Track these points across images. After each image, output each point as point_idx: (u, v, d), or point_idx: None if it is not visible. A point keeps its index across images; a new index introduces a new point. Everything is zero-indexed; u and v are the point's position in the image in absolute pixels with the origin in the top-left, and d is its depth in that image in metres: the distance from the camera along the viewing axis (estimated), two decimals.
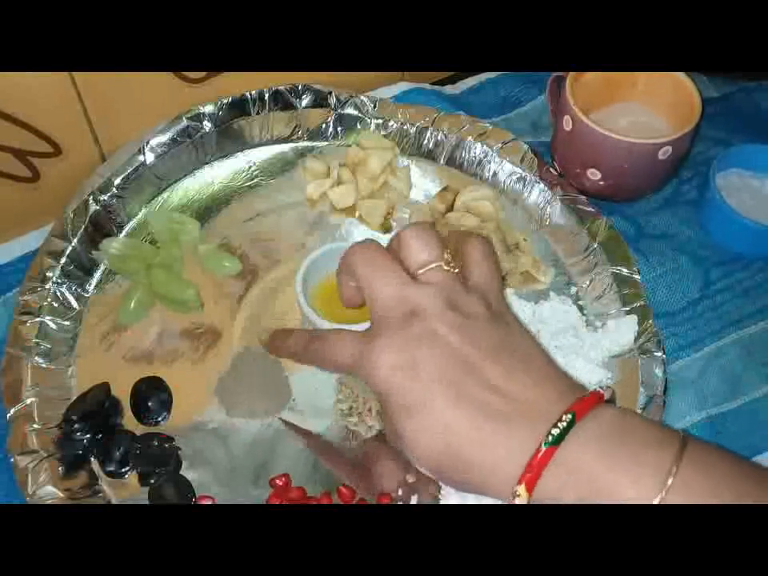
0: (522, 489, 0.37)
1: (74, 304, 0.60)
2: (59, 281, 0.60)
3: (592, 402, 0.39)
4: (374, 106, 0.70)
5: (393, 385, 0.41)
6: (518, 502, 0.38)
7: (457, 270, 0.45)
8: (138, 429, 0.55)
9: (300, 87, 0.69)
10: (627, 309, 0.59)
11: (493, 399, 0.39)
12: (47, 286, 0.59)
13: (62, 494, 0.51)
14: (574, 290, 0.62)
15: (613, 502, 0.37)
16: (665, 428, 0.40)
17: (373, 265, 0.44)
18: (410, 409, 0.40)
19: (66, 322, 0.59)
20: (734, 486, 0.36)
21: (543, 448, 0.37)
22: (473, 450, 0.39)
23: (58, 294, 0.59)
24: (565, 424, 0.37)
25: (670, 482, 0.36)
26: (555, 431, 0.37)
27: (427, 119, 0.69)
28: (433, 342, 0.41)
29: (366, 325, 0.52)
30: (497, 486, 0.39)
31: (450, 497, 0.51)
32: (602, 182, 0.64)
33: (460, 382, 0.40)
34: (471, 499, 0.49)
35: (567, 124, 0.63)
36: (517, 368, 0.41)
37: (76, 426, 0.53)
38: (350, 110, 0.70)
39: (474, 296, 0.43)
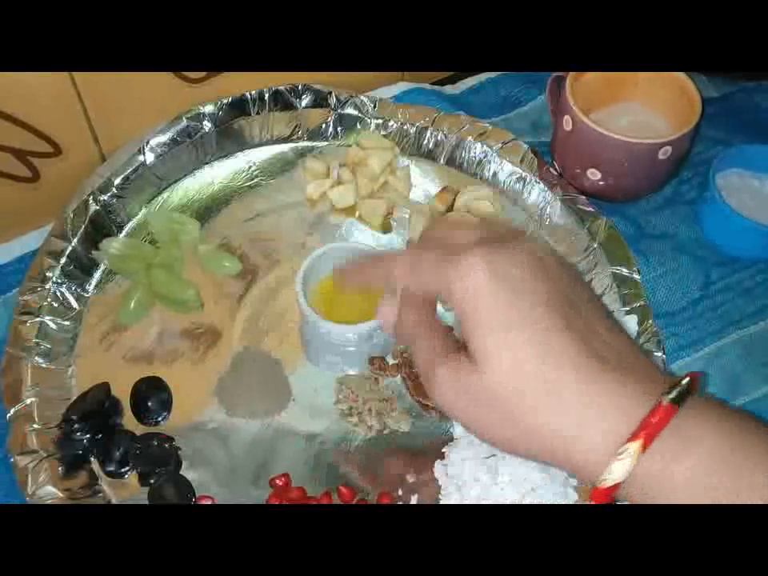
0: (634, 447, 0.31)
1: (74, 304, 0.60)
2: (59, 281, 0.60)
3: (696, 377, 0.34)
4: (374, 106, 0.70)
5: (486, 297, 0.34)
6: (617, 468, 0.32)
7: None
8: (138, 429, 0.55)
9: (300, 87, 0.69)
10: (627, 309, 0.59)
11: (600, 344, 0.34)
12: (47, 286, 0.59)
13: (61, 494, 0.51)
14: None
15: (736, 486, 0.31)
16: None
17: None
18: (501, 325, 0.34)
19: (66, 322, 0.59)
20: None
21: (665, 403, 0.32)
22: (573, 387, 0.33)
23: (58, 294, 0.59)
24: (684, 384, 0.32)
25: None
26: (675, 391, 0.32)
27: (427, 119, 0.69)
28: (537, 267, 0.35)
29: (366, 325, 0.52)
30: (592, 442, 0.33)
31: (450, 497, 0.51)
32: (601, 182, 0.64)
33: (567, 315, 0.34)
34: (471, 499, 0.50)
35: (567, 124, 0.63)
36: (615, 324, 0.36)
37: (76, 426, 0.53)
38: (350, 110, 0.70)
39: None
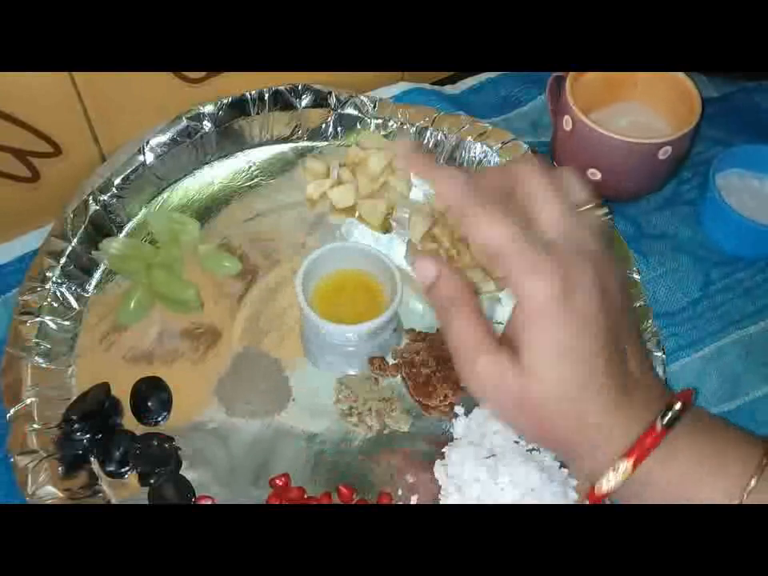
0: (627, 464, 0.37)
1: (74, 304, 0.60)
2: (59, 281, 0.60)
3: (689, 396, 0.39)
4: (374, 106, 0.70)
5: (553, 315, 0.37)
6: (612, 478, 0.38)
7: None
8: (138, 429, 0.55)
9: (300, 87, 0.69)
10: None
11: (625, 376, 0.39)
12: (47, 286, 0.59)
13: (61, 494, 0.51)
14: None
15: (697, 495, 0.38)
16: (749, 432, 0.41)
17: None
18: (559, 347, 0.37)
19: (66, 322, 0.59)
20: None
21: (659, 427, 0.37)
22: (595, 414, 0.38)
23: (58, 294, 0.59)
24: (677, 409, 0.38)
25: (753, 482, 0.37)
26: (669, 414, 0.38)
27: (427, 119, 0.69)
28: (602, 298, 0.38)
29: (366, 325, 0.52)
30: (598, 457, 0.38)
31: (450, 497, 0.51)
32: (601, 182, 0.64)
33: (611, 350, 0.38)
34: (471, 499, 0.50)
35: (567, 124, 0.63)
36: (640, 350, 0.41)
37: (76, 426, 0.53)
38: (350, 110, 0.70)
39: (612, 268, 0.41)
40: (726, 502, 0.37)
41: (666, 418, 0.38)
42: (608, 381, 0.38)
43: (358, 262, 0.56)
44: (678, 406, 0.38)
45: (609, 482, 0.38)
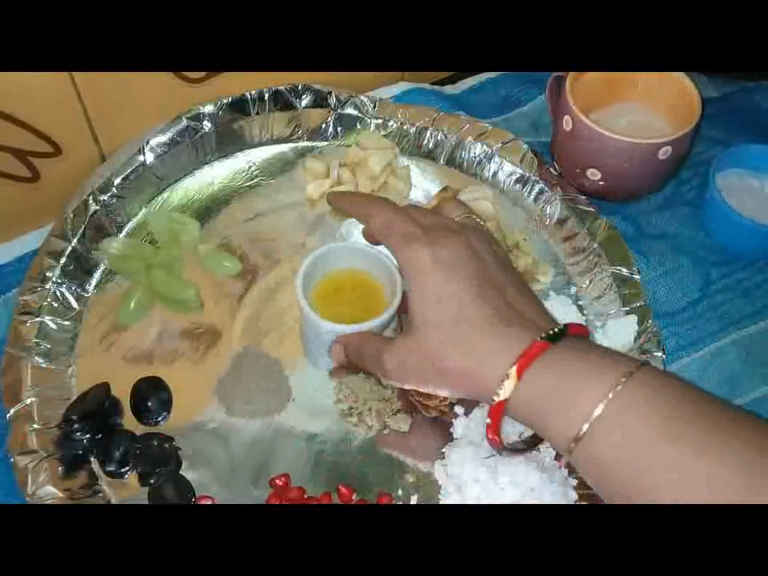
0: (512, 370, 0.42)
1: (74, 304, 0.60)
2: (59, 281, 0.60)
3: (580, 330, 0.46)
4: (374, 106, 0.70)
5: (426, 275, 0.46)
6: (504, 386, 0.42)
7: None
8: (138, 429, 0.55)
9: (300, 87, 0.69)
10: (627, 309, 0.60)
11: (505, 307, 0.46)
12: (47, 286, 0.59)
13: (61, 494, 0.51)
14: (573, 289, 0.62)
15: (569, 399, 0.41)
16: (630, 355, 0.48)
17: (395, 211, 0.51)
18: (433, 297, 0.46)
19: (66, 322, 0.59)
20: (688, 405, 0.39)
21: (538, 341, 0.43)
22: (478, 339, 0.44)
23: (58, 294, 0.59)
24: (557, 330, 0.44)
25: (619, 387, 0.40)
26: (551, 331, 0.43)
27: (427, 119, 0.69)
28: (469, 254, 0.47)
29: (366, 324, 0.52)
30: (489, 373, 0.43)
31: (450, 497, 0.51)
32: (601, 182, 0.64)
33: (482, 288, 0.46)
34: (471, 499, 0.50)
35: (567, 124, 0.63)
36: (524, 291, 0.48)
37: (76, 426, 0.53)
38: (350, 110, 0.70)
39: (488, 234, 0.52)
40: (597, 405, 0.40)
41: (545, 334, 0.43)
42: (483, 311, 0.45)
43: (358, 262, 0.56)
44: (558, 328, 0.44)
45: (502, 390, 0.42)
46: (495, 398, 0.43)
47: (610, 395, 0.39)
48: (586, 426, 0.40)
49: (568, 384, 0.41)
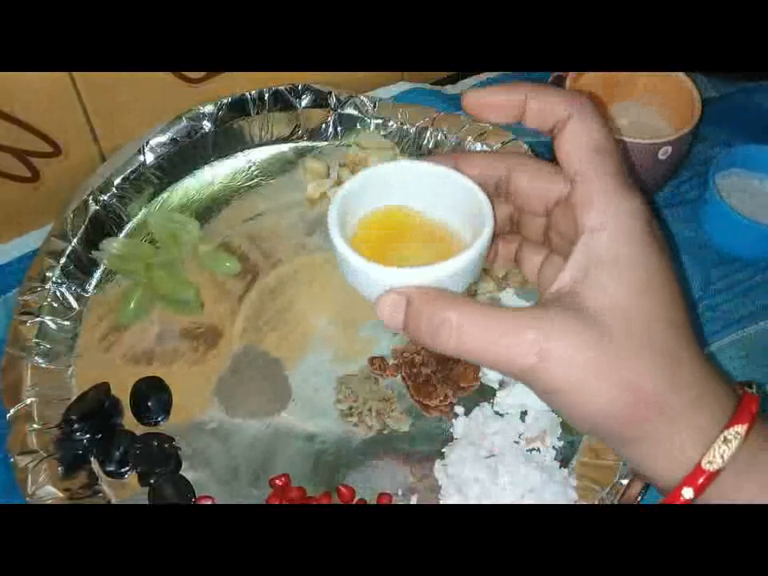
0: (740, 429, 0.32)
1: (74, 304, 0.60)
2: (59, 281, 0.60)
3: (753, 410, 0.33)
4: (374, 106, 0.70)
5: (632, 232, 0.32)
6: (721, 450, 0.32)
7: None
8: (138, 429, 0.55)
9: (300, 87, 0.69)
10: None
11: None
12: (47, 286, 0.59)
13: (61, 494, 0.51)
14: None
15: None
16: None
17: None
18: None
19: (66, 322, 0.59)
20: None
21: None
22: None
23: (58, 294, 0.59)
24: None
25: None
26: (724, 451, 0.32)
27: (427, 119, 0.69)
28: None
29: (441, 268, 0.34)
30: (688, 422, 0.32)
31: (450, 497, 0.51)
32: None
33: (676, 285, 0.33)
34: (471, 499, 0.50)
35: None
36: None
37: (76, 426, 0.53)
38: (350, 110, 0.70)
39: None
40: None
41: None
42: (692, 332, 0.32)
43: (419, 196, 0.38)
44: (735, 435, 0.32)
45: (719, 455, 0.31)
46: (707, 464, 0.32)
47: None
48: None
49: None
